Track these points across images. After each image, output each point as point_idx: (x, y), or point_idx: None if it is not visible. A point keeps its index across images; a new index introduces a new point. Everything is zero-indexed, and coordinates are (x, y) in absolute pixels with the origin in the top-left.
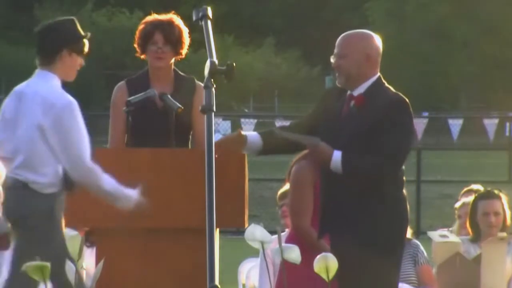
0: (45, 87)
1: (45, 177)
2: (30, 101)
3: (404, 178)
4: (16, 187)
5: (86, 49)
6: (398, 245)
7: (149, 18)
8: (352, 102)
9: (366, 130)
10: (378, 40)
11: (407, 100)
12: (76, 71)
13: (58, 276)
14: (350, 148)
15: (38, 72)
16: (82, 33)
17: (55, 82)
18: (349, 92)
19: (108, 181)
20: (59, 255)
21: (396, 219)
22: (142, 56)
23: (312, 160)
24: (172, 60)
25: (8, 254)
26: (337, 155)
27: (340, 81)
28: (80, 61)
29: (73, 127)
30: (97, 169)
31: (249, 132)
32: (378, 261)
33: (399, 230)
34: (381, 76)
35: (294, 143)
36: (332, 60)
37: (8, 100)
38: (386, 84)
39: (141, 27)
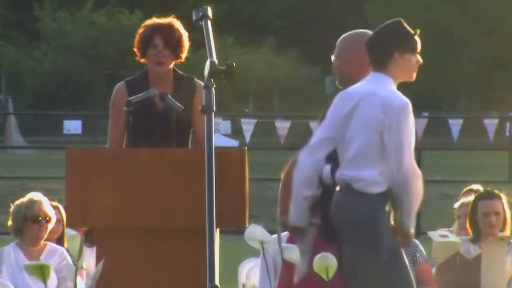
0: (382, 88)
1: (370, 175)
2: (366, 100)
3: None
4: (341, 188)
5: (418, 46)
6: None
7: (149, 21)
8: None
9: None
10: None
11: None
12: (415, 70)
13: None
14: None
15: (372, 75)
16: (411, 31)
17: (391, 85)
18: None
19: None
20: (388, 264)
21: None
22: (142, 60)
23: None
24: (172, 64)
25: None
26: (326, 169)
27: (338, 82)
28: (415, 59)
29: (406, 128)
30: (416, 176)
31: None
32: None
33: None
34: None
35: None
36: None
37: (339, 101)
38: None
39: (140, 31)
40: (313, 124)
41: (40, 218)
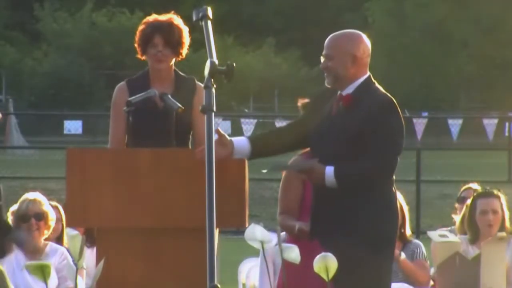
0: None
1: None
2: None
3: (393, 176)
4: None
5: None
6: (391, 244)
7: (149, 18)
8: (341, 103)
9: (354, 131)
10: (366, 40)
11: (394, 100)
12: None
13: None
14: (338, 149)
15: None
16: None
17: None
18: (339, 92)
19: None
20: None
21: (389, 217)
22: (143, 58)
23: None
24: (173, 61)
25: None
26: (329, 171)
27: (329, 82)
28: None
29: None
30: None
31: (237, 137)
32: (369, 260)
33: (392, 228)
34: (371, 75)
35: (285, 147)
36: (321, 60)
37: None
38: (376, 84)
39: (141, 27)
40: None
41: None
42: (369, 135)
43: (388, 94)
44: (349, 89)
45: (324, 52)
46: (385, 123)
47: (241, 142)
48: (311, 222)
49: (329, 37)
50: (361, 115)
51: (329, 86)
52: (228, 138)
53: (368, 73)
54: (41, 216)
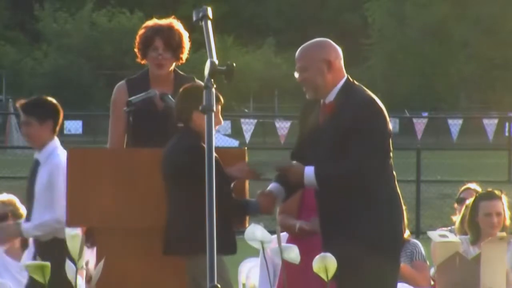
0: None
1: None
2: None
3: (394, 173)
4: None
5: None
6: (395, 244)
7: (149, 23)
8: (325, 111)
9: (339, 137)
10: (334, 45)
11: (375, 100)
12: None
13: None
14: (328, 157)
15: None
16: None
17: None
18: (322, 101)
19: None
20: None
21: (390, 217)
22: (143, 62)
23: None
24: (173, 66)
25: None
26: (309, 171)
27: (310, 94)
28: None
29: None
30: None
31: (271, 185)
32: (376, 261)
33: (395, 228)
34: (349, 77)
35: None
36: (296, 75)
37: None
38: (356, 85)
39: (141, 32)
40: None
41: None
42: (352, 137)
43: (370, 94)
44: (331, 96)
45: (297, 66)
46: (364, 124)
47: (276, 189)
48: (321, 226)
49: (298, 50)
50: (343, 120)
51: (310, 98)
52: (268, 190)
53: (346, 76)
54: (1, 217)
